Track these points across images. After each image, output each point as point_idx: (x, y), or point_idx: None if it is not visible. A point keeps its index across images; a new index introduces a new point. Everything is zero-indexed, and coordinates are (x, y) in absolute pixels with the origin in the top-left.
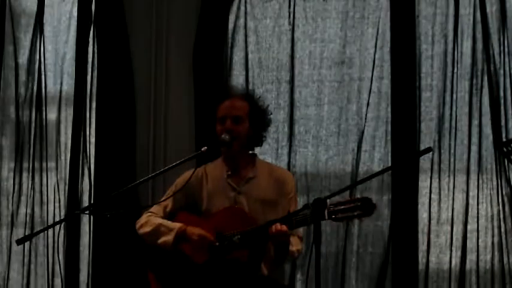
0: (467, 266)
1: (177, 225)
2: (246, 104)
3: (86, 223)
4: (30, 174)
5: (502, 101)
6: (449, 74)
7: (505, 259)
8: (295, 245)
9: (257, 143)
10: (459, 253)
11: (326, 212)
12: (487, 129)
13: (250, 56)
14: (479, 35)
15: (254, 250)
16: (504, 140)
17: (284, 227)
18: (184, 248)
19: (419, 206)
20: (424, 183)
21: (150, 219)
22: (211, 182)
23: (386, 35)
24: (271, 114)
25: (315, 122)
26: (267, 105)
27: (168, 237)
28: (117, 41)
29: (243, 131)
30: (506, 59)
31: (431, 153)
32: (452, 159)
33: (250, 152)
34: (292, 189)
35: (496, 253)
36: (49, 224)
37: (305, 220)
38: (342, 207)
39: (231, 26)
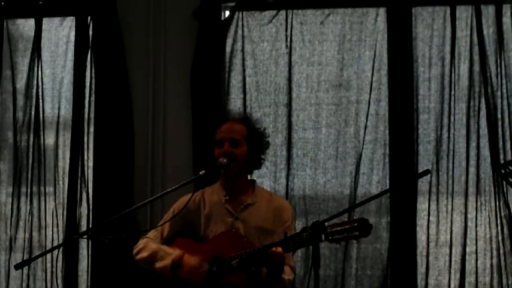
0: None
1: (175, 251)
2: (243, 127)
3: (84, 248)
4: (29, 198)
5: (500, 123)
6: (446, 96)
7: (504, 281)
8: (288, 274)
9: (255, 166)
10: (458, 275)
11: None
12: (485, 151)
13: (247, 79)
14: (476, 57)
15: (252, 274)
16: (502, 162)
17: (279, 249)
18: (181, 274)
19: (417, 228)
20: (422, 205)
21: (148, 245)
22: (208, 207)
23: (384, 57)
24: (268, 137)
25: (312, 145)
26: (265, 128)
27: (166, 262)
28: (114, 65)
29: (240, 154)
30: (503, 81)
31: (429, 175)
32: (450, 182)
33: (250, 178)
34: (289, 218)
35: (495, 275)
36: (47, 249)
37: (302, 242)
38: (339, 228)
39: (228, 49)
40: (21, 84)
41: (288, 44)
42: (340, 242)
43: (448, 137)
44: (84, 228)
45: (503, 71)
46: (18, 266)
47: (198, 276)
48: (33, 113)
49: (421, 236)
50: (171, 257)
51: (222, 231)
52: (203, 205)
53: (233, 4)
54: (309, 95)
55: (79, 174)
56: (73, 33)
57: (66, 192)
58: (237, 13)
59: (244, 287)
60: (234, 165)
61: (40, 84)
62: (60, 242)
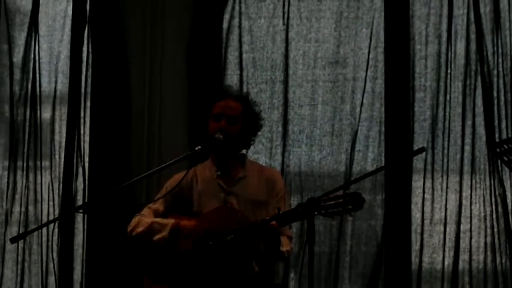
0: (460, 266)
1: (170, 221)
2: (240, 106)
3: (80, 222)
4: (25, 172)
5: (496, 102)
6: (443, 75)
7: (498, 259)
8: (285, 245)
9: (245, 146)
10: (452, 253)
11: None
12: (481, 130)
13: (244, 55)
14: (473, 36)
15: (247, 248)
16: (497, 140)
17: (274, 223)
18: (179, 244)
19: (412, 206)
20: (417, 183)
21: (142, 220)
22: (201, 184)
23: (381, 35)
24: (263, 119)
25: (308, 121)
26: (260, 110)
27: (163, 233)
28: (111, 40)
29: (234, 132)
30: (500, 60)
31: (424, 153)
32: (445, 160)
33: (240, 153)
34: (281, 189)
35: (488, 253)
36: (43, 223)
37: (296, 216)
38: (332, 202)
39: (225, 25)
40: (18, 58)
41: (285, 21)
42: (334, 216)
43: (444, 115)
44: (80, 202)
45: (499, 50)
46: (13, 240)
47: (198, 235)
48: (29, 87)
49: (416, 214)
50: (167, 226)
51: (215, 207)
52: (195, 182)
53: None
54: (306, 72)
55: (75, 149)
56: (70, 7)
57: (62, 166)
58: None
59: (239, 261)
60: (227, 143)
61: (37, 58)
62: (56, 216)
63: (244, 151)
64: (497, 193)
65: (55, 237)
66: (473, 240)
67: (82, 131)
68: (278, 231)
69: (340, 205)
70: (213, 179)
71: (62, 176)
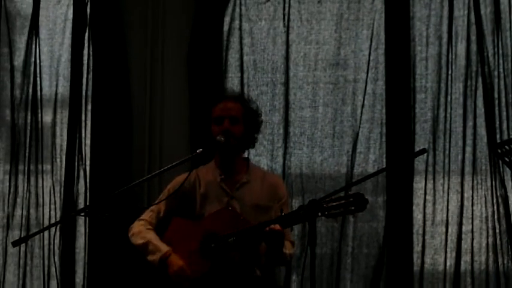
0: (462, 267)
1: (164, 248)
2: (240, 105)
3: (81, 225)
4: (26, 176)
5: (497, 103)
6: (443, 76)
7: (500, 260)
8: (288, 249)
9: (249, 145)
10: (454, 254)
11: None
12: (482, 131)
13: (245, 58)
14: (473, 37)
15: (248, 251)
16: (499, 141)
17: (277, 226)
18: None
19: (414, 207)
20: (418, 184)
21: (143, 231)
22: (204, 187)
23: (381, 36)
24: (261, 115)
25: (310, 123)
26: (257, 107)
27: (154, 258)
28: (112, 43)
29: (238, 131)
30: (501, 61)
31: (426, 154)
32: (446, 161)
33: (244, 156)
34: (284, 194)
35: (490, 254)
36: (45, 226)
37: (298, 218)
38: (335, 203)
39: (226, 28)
40: (18, 61)
41: (286, 23)
42: (337, 217)
43: (445, 116)
44: (81, 205)
45: (500, 51)
46: (15, 243)
47: (181, 279)
48: (30, 90)
49: (418, 215)
50: (159, 253)
51: (217, 209)
52: (198, 184)
53: None
54: (306, 74)
55: (76, 152)
56: (71, 10)
57: (63, 169)
58: None
59: (240, 264)
60: (233, 142)
61: (38, 62)
62: (58, 219)
63: (246, 154)
64: (498, 194)
65: (57, 241)
66: (475, 241)
67: (83, 134)
68: (282, 233)
69: (343, 206)
70: (216, 183)
71: (63, 179)
